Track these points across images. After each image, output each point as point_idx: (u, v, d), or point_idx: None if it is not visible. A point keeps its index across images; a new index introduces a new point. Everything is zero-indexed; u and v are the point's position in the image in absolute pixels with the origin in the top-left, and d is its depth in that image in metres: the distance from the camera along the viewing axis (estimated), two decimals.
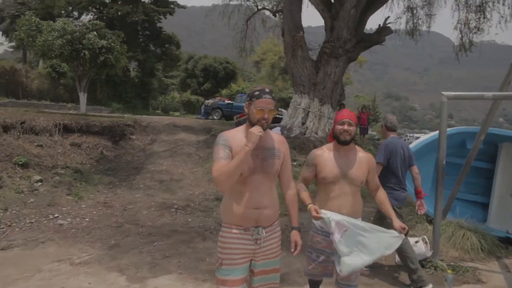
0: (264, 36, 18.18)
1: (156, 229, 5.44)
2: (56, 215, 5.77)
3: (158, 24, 29.35)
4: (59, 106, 18.17)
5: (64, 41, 10.68)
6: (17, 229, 5.11)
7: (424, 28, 16.30)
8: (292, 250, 2.24)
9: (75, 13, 25.44)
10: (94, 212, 6.12)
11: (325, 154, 2.66)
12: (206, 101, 21.88)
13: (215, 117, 20.07)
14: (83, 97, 12.08)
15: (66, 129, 9.46)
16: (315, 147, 12.27)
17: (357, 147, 2.72)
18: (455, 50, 15.64)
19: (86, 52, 10.92)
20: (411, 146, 5.82)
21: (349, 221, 2.40)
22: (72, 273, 3.81)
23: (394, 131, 4.11)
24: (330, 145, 2.72)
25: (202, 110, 21.31)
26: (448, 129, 5.70)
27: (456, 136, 5.81)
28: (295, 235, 2.27)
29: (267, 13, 16.59)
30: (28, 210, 5.83)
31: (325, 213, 2.43)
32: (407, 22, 15.39)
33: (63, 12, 23.14)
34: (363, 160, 2.63)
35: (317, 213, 2.45)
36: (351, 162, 2.60)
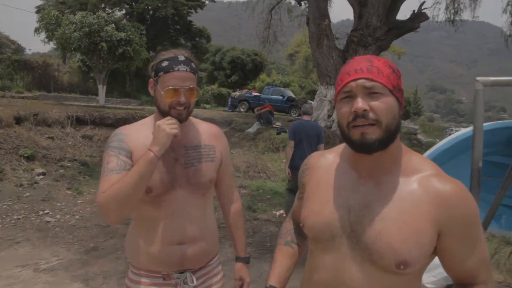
0: (289, 27, 17.29)
1: None
2: (47, 211, 5.42)
3: (189, 18, 29.18)
4: (87, 98, 18.36)
5: (82, 34, 10.57)
6: (0, 226, 4.77)
7: (468, 15, 14.76)
8: None
9: (108, 10, 25.76)
10: (88, 209, 5.72)
11: (324, 167, 1.07)
12: (233, 93, 21.53)
13: (241, 110, 19.67)
14: (101, 90, 11.97)
15: (79, 121, 9.35)
16: (341, 142, 11.42)
17: (411, 155, 0.99)
18: (504, 37, 14.04)
19: (104, 45, 10.73)
20: (443, 141, 4.87)
21: None
22: (30, 282, 3.36)
23: (307, 115, 5.29)
24: (346, 149, 1.06)
25: (229, 103, 20.96)
26: (493, 122, 4.72)
27: (503, 131, 4.76)
28: (240, 270, 1.56)
29: (293, 2, 15.74)
30: (20, 205, 5.53)
31: None
32: (446, 8, 13.93)
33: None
34: (421, 198, 0.90)
35: None
36: (381, 197, 0.93)
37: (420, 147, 11.98)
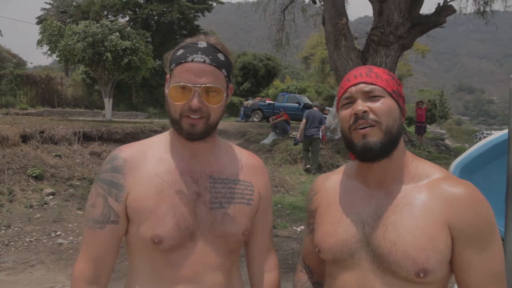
0: (303, 27, 17.43)
1: None
2: (59, 232, 5.65)
3: (196, 22, 29.72)
4: (93, 113, 18.85)
5: (85, 44, 10.90)
6: (13, 249, 5.00)
7: (500, 5, 14.71)
8: None
9: (110, 17, 26.58)
10: None
11: (331, 188, 1.14)
12: (245, 102, 21.84)
13: (255, 119, 19.96)
14: (108, 103, 12.27)
15: (86, 137, 9.58)
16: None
17: (418, 162, 1.06)
18: None
19: (108, 55, 11.05)
20: (475, 147, 4.91)
21: None
22: None
23: (317, 107, 10.26)
24: (351, 166, 1.15)
25: (241, 113, 21.27)
26: None
27: None
28: None
29: (307, 0, 15.99)
30: (32, 227, 5.78)
31: None
32: None
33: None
34: (432, 203, 0.95)
35: None
36: (392, 207, 0.99)
37: (449, 154, 11.88)
